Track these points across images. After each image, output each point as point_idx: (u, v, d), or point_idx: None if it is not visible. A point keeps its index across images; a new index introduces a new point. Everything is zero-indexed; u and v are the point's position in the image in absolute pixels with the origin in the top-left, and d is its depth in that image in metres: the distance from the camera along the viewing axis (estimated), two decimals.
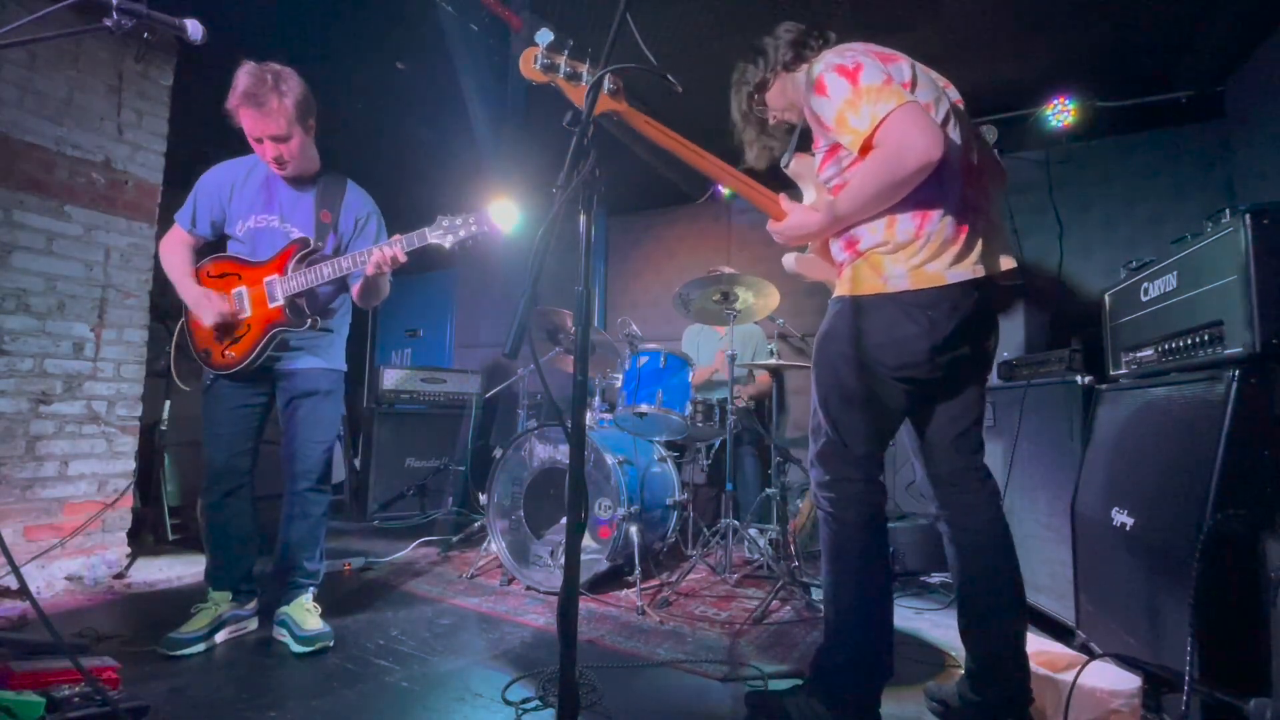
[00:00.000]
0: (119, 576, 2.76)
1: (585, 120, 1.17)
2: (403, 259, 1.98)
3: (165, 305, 3.25)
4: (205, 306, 2.05)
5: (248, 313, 2.08)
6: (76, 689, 1.43)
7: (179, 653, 1.91)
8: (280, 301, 2.04)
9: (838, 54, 1.48)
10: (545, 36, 1.37)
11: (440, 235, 1.97)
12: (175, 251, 2.15)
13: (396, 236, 2.01)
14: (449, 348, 6.23)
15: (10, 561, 1.28)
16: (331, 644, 2.02)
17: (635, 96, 1.50)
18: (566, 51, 1.41)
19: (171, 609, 2.27)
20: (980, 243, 1.46)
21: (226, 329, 2.09)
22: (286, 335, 2.10)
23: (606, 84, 1.41)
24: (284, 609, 2.09)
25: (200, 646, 1.97)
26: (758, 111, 1.74)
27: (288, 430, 2.16)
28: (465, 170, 4.58)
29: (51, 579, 2.58)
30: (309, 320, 2.08)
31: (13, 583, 2.23)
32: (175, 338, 2.19)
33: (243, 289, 2.09)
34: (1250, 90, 3.21)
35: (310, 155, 2.13)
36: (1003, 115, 3.81)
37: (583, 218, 1.18)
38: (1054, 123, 3.67)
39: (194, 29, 1.41)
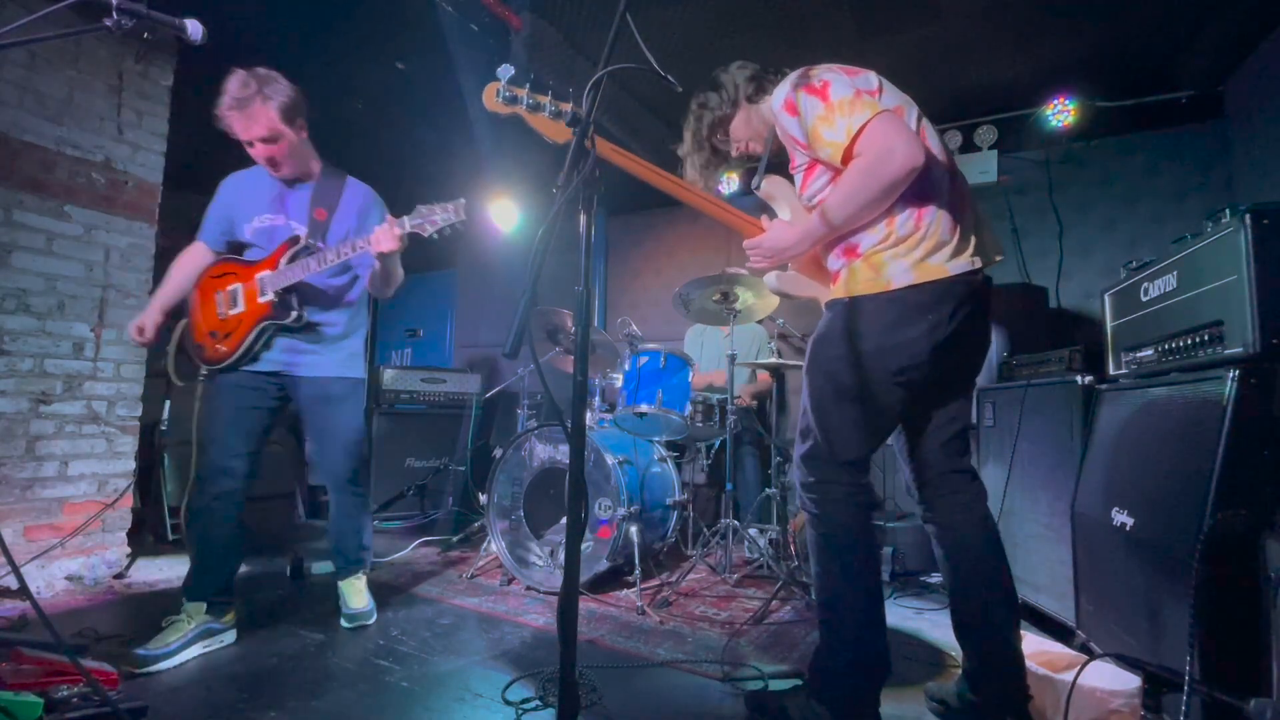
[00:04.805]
0: (119, 576, 2.76)
1: (585, 121, 1.17)
2: (388, 248, 1.95)
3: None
4: (132, 328, 2.15)
5: (241, 308, 2.11)
6: (75, 689, 1.42)
7: (149, 669, 1.81)
8: (269, 296, 2.07)
9: (803, 75, 1.51)
10: (506, 71, 1.41)
11: (418, 224, 1.95)
12: (178, 261, 2.25)
13: (379, 228, 1.98)
14: (449, 348, 6.22)
15: (10, 561, 1.28)
16: (371, 622, 2.26)
17: (635, 96, 1.51)
18: (528, 85, 1.45)
19: (171, 609, 2.27)
20: (973, 237, 1.49)
21: (221, 325, 2.13)
22: (275, 329, 2.11)
23: (570, 114, 1.46)
24: (339, 584, 2.30)
25: (170, 663, 1.87)
26: (720, 143, 1.76)
27: (308, 438, 2.32)
28: (465, 170, 4.58)
29: (51, 579, 2.58)
30: (293, 314, 2.09)
31: (13, 583, 2.23)
32: (176, 335, 2.23)
33: (238, 285, 2.13)
34: (1250, 90, 3.21)
35: (303, 155, 2.16)
36: (1003, 115, 3.82)
37: (583, 218, 1.18)
38: (1054, 123, 3.67)
39: (194, 29, 1.41)
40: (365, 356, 2.34)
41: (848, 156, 1.41)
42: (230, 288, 2.13)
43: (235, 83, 1.97)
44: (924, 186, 1.43)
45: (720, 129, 1.74)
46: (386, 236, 1.93)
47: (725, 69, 1.73)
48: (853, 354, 1.47)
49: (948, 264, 1.43)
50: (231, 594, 2.11)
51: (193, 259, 2.24)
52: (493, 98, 1.46)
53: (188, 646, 1.94)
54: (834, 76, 1.46)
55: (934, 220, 1.44)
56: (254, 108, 1.97)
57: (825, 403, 1.52)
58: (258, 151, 2.05)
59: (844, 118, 1.39)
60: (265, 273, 2.09)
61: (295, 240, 2.10)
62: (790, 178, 1.68)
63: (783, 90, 1.51)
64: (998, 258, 1.57)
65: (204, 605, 2.02)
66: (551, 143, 1.50)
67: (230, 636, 2.07)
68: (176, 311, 2.23)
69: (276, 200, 2.17)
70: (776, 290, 1.81)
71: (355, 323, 2.29)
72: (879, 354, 1.45)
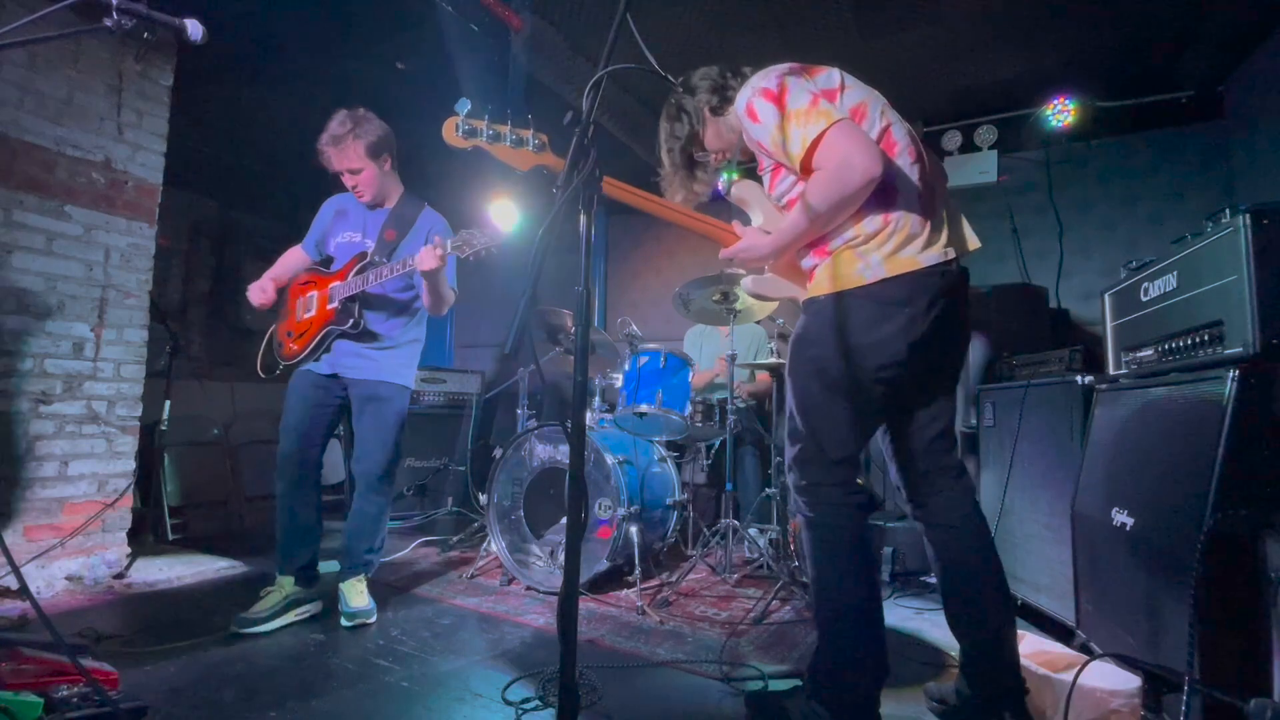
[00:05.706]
0: (119, 576, 2.75)
1: (585, 120, 1.17)
2: (428, 266, 2.11)
3: (165, 305, 3.25)
4: (252, 289, 2.45)
5: (313, 312, 2.39)
6: (75, 689, 1.42)
7: (246, 630, 2.09)
8: (335, 304, 2.33)
9: (762, 77, 1.50)
10: (464, 106, 1.43)
11: (458, 245, 2.12)
12: (281, 259, 2.56)
13: (425, 249, 2.15)
14: (449, 348, 6.22)
15: (10, 561, 1.28)
16: (371, 621, 2.28)
17: (635, 96, 1.51)
18: (486, 117, 1.46)
19: (172, 609, 2.27)
20: (945, 229, 1.49)
21: (297, 326, 2.43)
22: (337, 333, 2.33)
23: (531, 140, 1.47)
24: (340, 585, 2.34)
25: (271, 625, 2.15)
26: (699, 158, 1.76)
27: (354, 435, 2.42)
28: (466, 170, 4.58)
29: (51, 579, 2.58)
30: (352, 320, 2.32)
31: (13, 583, 2.23)
32: (270, 333, 2.53)
33: (314, 293, 2.42)
34: (1250, 90, 3.22)
35: (384, 185, 2.43)
36: (1003, 115, 3.82)
37: (583, 218, 1.18)
38: (1054, 123, 3.68)
39: (194, 29, 1.41)
40: (415, 369, 2.53)
41: (806, 168, 1.42)
42: (309, 294, 2.43)
43: (335, 121, 2.29)
44: (890, 183, 1.43)
45: (694, 147, 1.75)
46: (429, 256, 2.11)
47: (687, 86, 1.71)
48: (832, 352, 1.46)
49: (919, 256, 1.43)
50: (316, 568, 2.36)
51: (293, 255, 2.56)
52: (452, 132, 1.45)
53: (281, 614, 2.20)
54: (792, 80, 1.46)
55: (901, 216, 1.45)
56: (346, 144, 2.27)
57: (810, 402, 1.52)
58: (346, 180, 2.35)
59: (799, 128, 1.39)
60: (336, 283, 2.35)
61: (363, 256, 2.35)
62: (759, 179, 1.69)
63: (744, 96, 1.51)
64: (973, 246, 1.56)
65: (293, 579, 2.29)
66: (517, 171, 1.51)
67: (316, 607, 2.32)
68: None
69: (358, 221, 2.46)
70: (752, 293, 1.81)
71: (409, 334, 2.48)
72: (858, 352, 1.45)
